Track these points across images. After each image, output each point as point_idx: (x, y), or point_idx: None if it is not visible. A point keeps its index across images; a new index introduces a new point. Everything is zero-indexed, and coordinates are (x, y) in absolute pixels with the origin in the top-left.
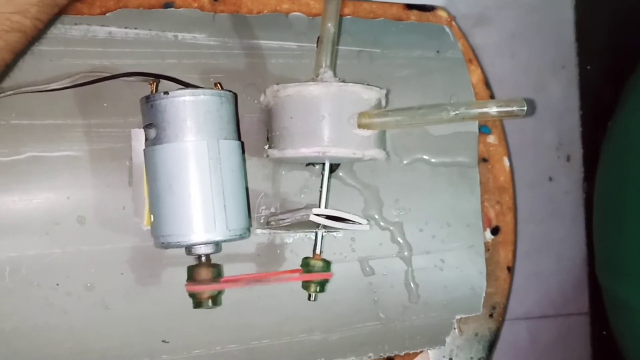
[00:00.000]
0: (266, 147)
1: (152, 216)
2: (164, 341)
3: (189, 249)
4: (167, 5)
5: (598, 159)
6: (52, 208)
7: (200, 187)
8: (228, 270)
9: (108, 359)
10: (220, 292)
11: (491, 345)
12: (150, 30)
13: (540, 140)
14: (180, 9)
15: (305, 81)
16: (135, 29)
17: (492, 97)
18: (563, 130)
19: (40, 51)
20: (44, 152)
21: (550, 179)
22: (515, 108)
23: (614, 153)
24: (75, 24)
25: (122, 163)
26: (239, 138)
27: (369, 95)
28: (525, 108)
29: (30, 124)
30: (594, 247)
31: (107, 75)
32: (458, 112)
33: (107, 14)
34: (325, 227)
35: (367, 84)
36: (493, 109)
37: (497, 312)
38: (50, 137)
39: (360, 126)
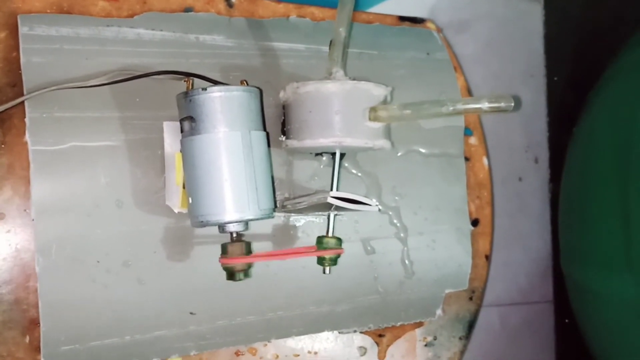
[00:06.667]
0: (283, 138)
1: (189, 199)
2: (191, 313)
3: (222, 227)
4: (187, 10)
5: (563, 161)
6: (93, 192)
7: (235, 172)
8: None
9: (142, 328)
10: (250, 266)
11: (470, 326)
12: (174, 32)
13: (511, 143)
14: (199, 13)
15: (321, 79)
16: (161, 30)
17: None
18: (532, 134)
19: (76, 50)
20: (85, 142)
21: (520, 178)
22: (503, 104)
23: (579, 156)
24: (108, 25)
25: (154, 152)
26: (265, 129)
27: (379, 92)
28: (512, 104)
29: (73, 116)
30: (559, 240)
31: (143, 73)
32: (455, 107)
33: (134, 17)
34: (337, 208)
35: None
36: (485, 104)
37: (476, 296)
38: (90, 128)
39: (372, 119)
